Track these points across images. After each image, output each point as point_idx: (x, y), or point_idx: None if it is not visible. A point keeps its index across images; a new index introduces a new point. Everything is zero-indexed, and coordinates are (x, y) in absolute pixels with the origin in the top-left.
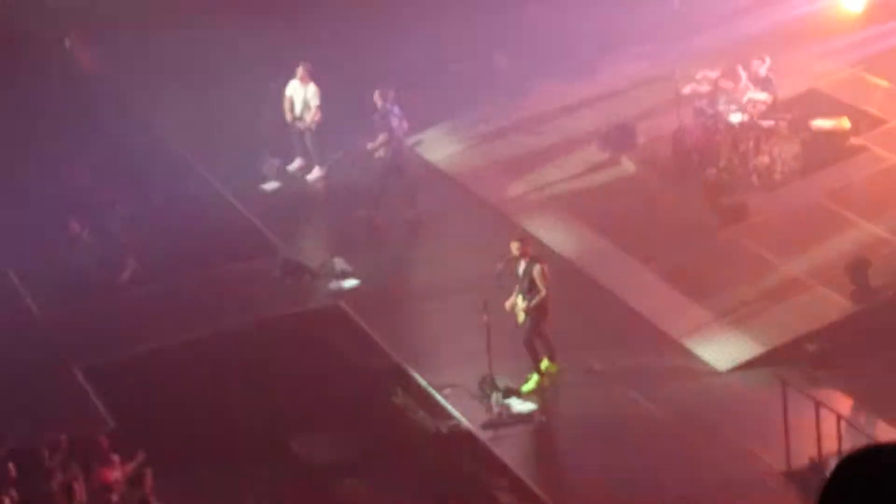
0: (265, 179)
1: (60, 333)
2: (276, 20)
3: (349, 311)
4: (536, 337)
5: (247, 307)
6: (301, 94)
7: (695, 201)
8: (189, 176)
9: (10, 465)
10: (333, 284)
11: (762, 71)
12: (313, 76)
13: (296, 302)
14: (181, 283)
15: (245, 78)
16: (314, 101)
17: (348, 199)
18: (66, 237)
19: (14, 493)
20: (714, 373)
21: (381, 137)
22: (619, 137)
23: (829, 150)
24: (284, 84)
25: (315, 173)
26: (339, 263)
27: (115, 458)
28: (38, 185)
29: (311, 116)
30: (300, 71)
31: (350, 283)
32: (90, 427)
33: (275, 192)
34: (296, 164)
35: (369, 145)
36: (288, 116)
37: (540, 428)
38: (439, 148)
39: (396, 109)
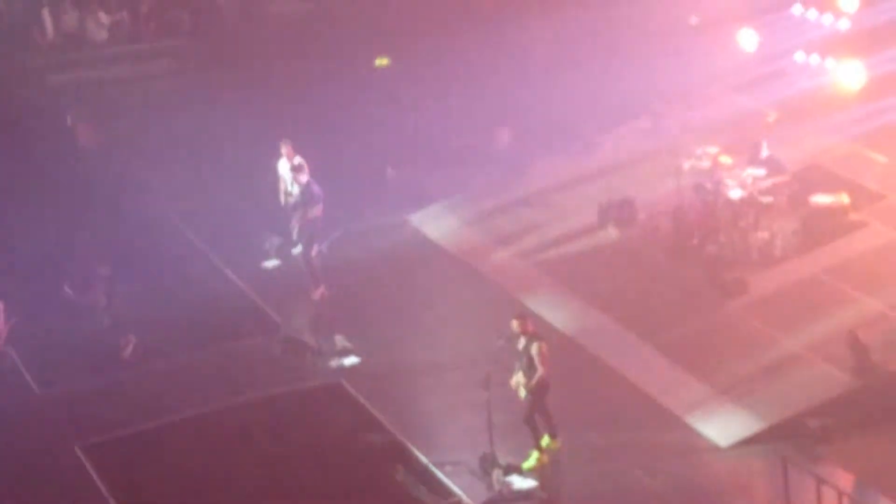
0: (266, 257)
1: (61, 411)
2: (276, 98)
3: (350, 389)
4: (537, 413)
5: (248, 385)
6: (289, 171)
7: (695, 277)
8: (190, 253)
9: None
10: (334, 362)
11: (763, 151)
12: (297, 151)
13: (297, 379)
14: (182, 361)
15: (246, 155)
16: (301, 178)
17: (348, 276)
18: (86, 303)
19: None
20: (715, 449)
21: (319, 208)
22: (620, 212)
23: (828, 225)
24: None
25: (297, 248)
26: (340, 341)
27: None
28: (38, 259)
29: (300, 188)
30: (284, 149)
31: (351, 360)
32: None
33: (276, 269)
34: (298, 247)
35: (310, 215)
36: (281, 197)
37: None
38: (439, 224)
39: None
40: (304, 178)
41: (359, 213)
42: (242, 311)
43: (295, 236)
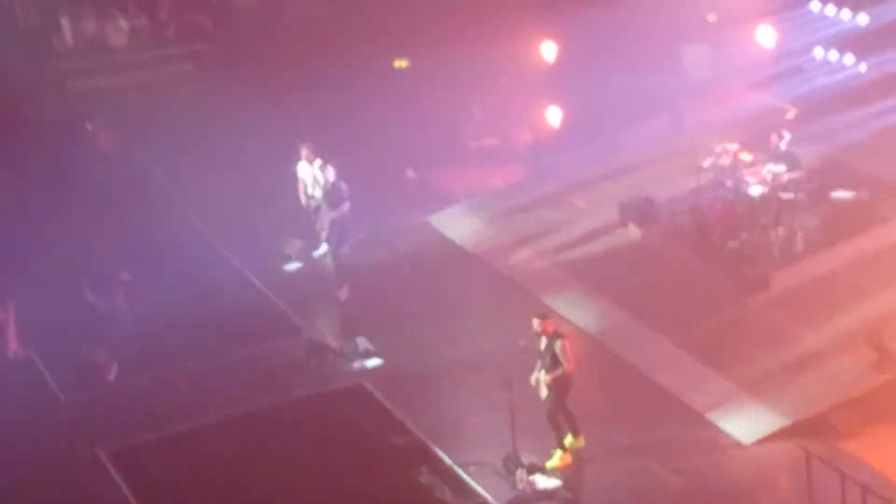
0: (288, 260)
1: (85, 418)
2: (296, 101)
3: (373, 390)
4: (560, 412)
5: (271, 388)
6: (310, 173)
7: (717, 274)
8: (212, 257)
9: None
10: (357, 364)
11: (782, 145)
12: (318, 154)
13: (320, 382)
14: (206, 365)
15: (268, 158)
16: (327, 175)
17: (370, 277)
18: (108, 308)
19: None
20: (738, 445)
21: (347, 205)
22: (641, 211)
23: (849, 220)
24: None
25: (321, 250)
26: (363, 343)
27: None
28: (60, 264)
29: (325, 188)
30: (304, 152)
31: (373, 362)
32: None
33: (297, 272)
34: (321, 249)
35: (333, 215)
36: (303, 199)
37: None
38: (460, 224)
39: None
40: (331, 175)
41: (380, 214)
42: (265, 314)
43: (323, 237)
